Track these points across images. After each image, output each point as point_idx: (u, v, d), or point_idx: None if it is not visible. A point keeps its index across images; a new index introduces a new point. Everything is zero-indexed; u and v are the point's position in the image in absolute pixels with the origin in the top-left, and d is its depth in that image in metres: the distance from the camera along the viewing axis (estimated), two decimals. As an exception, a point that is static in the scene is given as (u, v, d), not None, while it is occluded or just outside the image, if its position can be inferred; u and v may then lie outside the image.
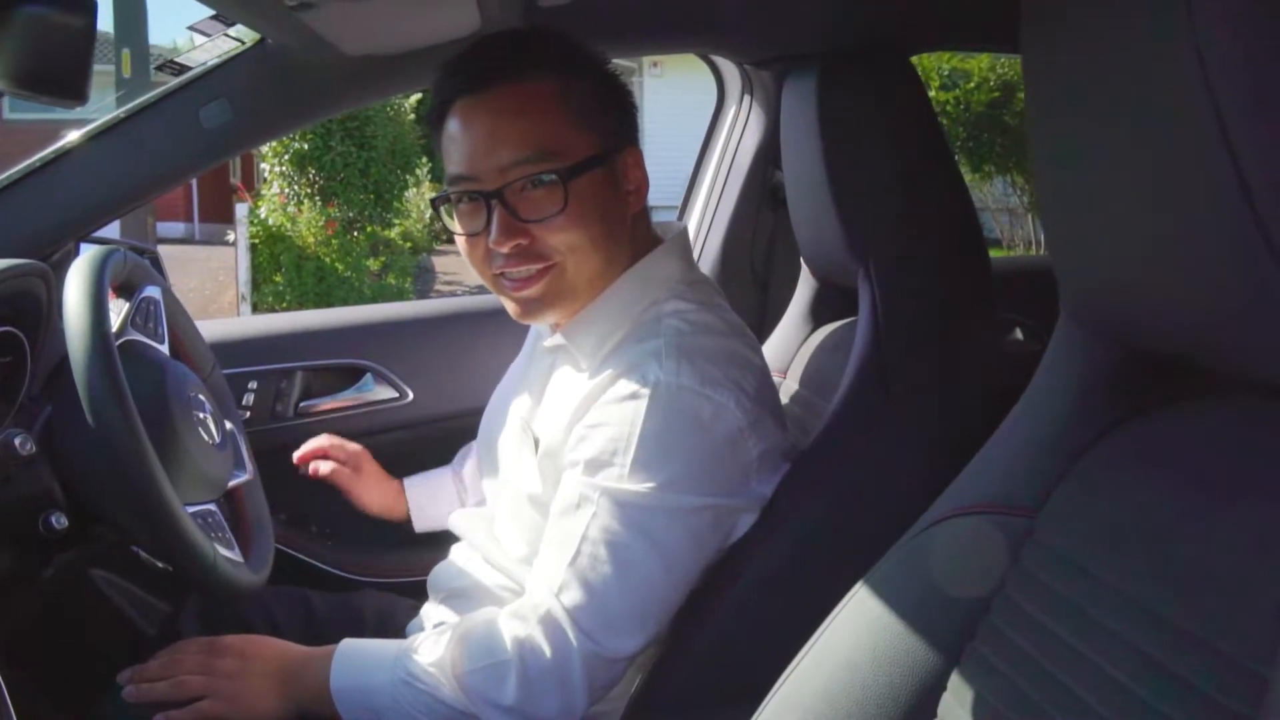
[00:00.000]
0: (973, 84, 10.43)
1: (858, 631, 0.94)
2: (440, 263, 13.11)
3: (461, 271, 12.54)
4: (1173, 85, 0.64)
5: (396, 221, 11.69)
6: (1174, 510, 0.74)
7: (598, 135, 1.24)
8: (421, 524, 1.68)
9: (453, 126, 1.24)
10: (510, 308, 1.29)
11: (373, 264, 10.68)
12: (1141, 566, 0.74)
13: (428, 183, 12.87)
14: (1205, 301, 0.68)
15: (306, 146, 10.40)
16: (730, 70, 2.15)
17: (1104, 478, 0.83)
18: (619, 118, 1.29)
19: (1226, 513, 0.70)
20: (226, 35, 1.55)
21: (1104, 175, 0.74)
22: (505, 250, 1.21)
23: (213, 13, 1.45)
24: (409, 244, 12.05)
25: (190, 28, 1.48)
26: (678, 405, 1.18)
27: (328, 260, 9.79)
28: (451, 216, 1.28)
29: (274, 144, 10.41)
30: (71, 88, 0.97)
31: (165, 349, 1.46)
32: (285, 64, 1.62)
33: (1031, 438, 0.91)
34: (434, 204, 1.30)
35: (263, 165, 11.04)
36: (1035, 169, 0.85)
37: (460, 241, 1.28)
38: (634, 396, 1.18)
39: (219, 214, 11.89)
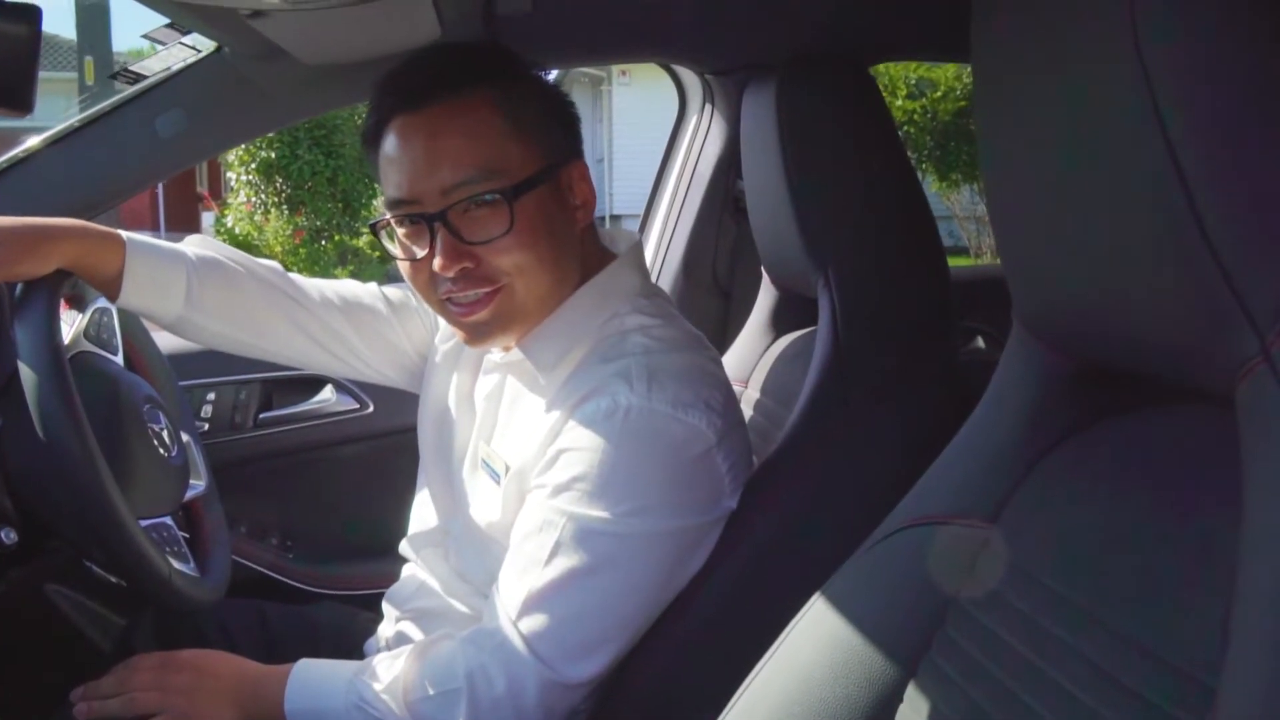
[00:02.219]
0: (939, 93, 10.52)
1: (815, 643, 0.93)
2: (409, 271, 13.06)
3: (430, 280, 12.49)
4: (1120, 102, 0.64)
5: (364, 230, 11.65)
6: (1123, 520, 0.74)
7: (541, 149, 1.20)
8: (125, 300, 1.34)
9: (390, 146, 1.19)
10: (460, 334, 1.25)
11: (340, 273, 10.63)
12: (1091, 577, 0.74)
13: (396, 191, 12.81)
14: (1153, 315, 0.69)
15: (274, 155, 10.37)
16: (691, 79, 2.15)
17: (1057, 488, 0.83)
18: (562, 130, 1.26)
19: (1173, 522, 0.70)
20: (182, 44, 1.54)
21: (1052, 189, 0.75)
22: (451, 275, 1.17)
23: (168, 21, 1.43)
24: (377, 253, 11.97)
25: (145, 36, 1.46)
26: (650, 429, 1.15)
27: (296, 270, 9.73)
28: (393, 240, 1.23)
29: (240, 152, 10.37)
30: (17, 97, 0.95)
31: (119, 360, 1.44)
32: (242, 73, 1.60)
33: (986, 448, 0.91)
34: (373, 229, 1.25)
35: (229, 174, 11.00)
36: (985, 181, 0.85)
37: (403, 267, 1.24)
38: (605, 420, 1.15)
39: (185, 223, 11.80)
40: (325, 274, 9.97)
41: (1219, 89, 0.60)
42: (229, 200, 11.23)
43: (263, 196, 10.89)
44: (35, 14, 0.92)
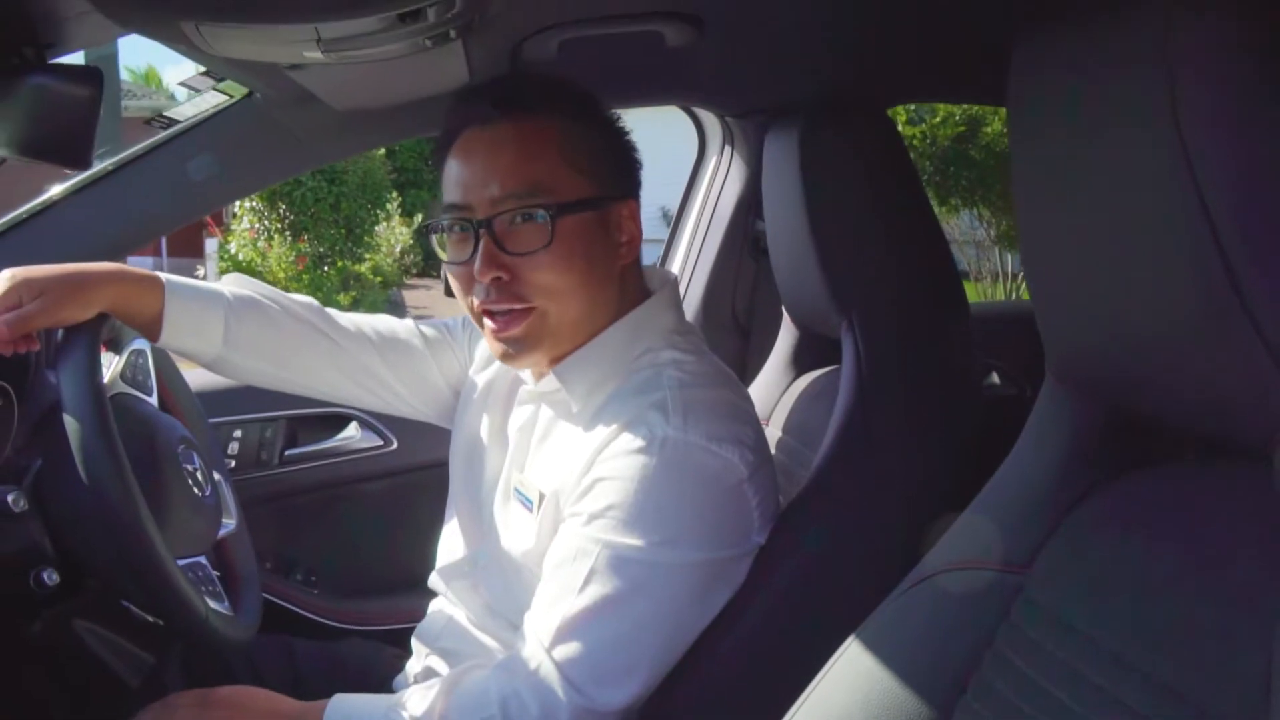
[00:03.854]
0: (938, 119, 10.55)
1: (852, 686, 0.95)
2: (410, 296, 13.08)
3: (431, 305, 12.52)
4: (1158, 170, 0.66)
5: (367, 256, 11.69)
6: (1161, 569, 0.76)
7: (593, 181, 1.24)
8: (166, 341, 1.39)
9: (454, 157, 1.25)
10: (494, 348, 1.28)
11: (343, 299, 10.66)
12: (1129, 624, 0.76)
13: (398, 217, 12.87)
14: (1191, 375, 0.71)
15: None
16: (711, 121, 2.19)
17: (1092, 535, 0.85)
18: (619, 168, 1.30)
19: (1213, 572, 0.72)
20: (216, 89, 1.57)
21: (1089, 246, 0.77)
22: (486, 280, 1.21)
23: (203, 69, 1.46)
24: (379, 278, 12.04)
25: (182, 84, 1.49)
26: (685, 461, 1.17)
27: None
28: (442, 246, 1.29)
29: (244, 179, 10.36)
30: (75, 153, 0.98)
31: (154, 401, 1.46)
32: (273, 118, 1.63)
33: (1021, 494, 0.93)
34: (425, 231, 1.31)
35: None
36: (1021, 233, 0.88)
37: (448, 272, 1.29)
38: (641, 451, 1.17)
39: (189, 249, 11.82)
40: (328, 299, 9.98)
41: (1257, 167, 0.63)
42: (233, 226, 11.25)
43: (266, 223, 10.93)
44: (97, 77, 0.95)
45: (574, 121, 1.26)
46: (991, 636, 0.88)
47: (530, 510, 1.30)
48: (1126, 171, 0.71)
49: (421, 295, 13.26)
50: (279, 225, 10.85)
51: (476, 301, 1.25)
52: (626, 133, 1.34)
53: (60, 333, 1.28)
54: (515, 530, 1.33)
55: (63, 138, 0.97)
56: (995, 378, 2.24)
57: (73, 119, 0.95)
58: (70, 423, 1.18)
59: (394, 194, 12.44)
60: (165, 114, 1.63)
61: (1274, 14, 0.64)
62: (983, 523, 0.96)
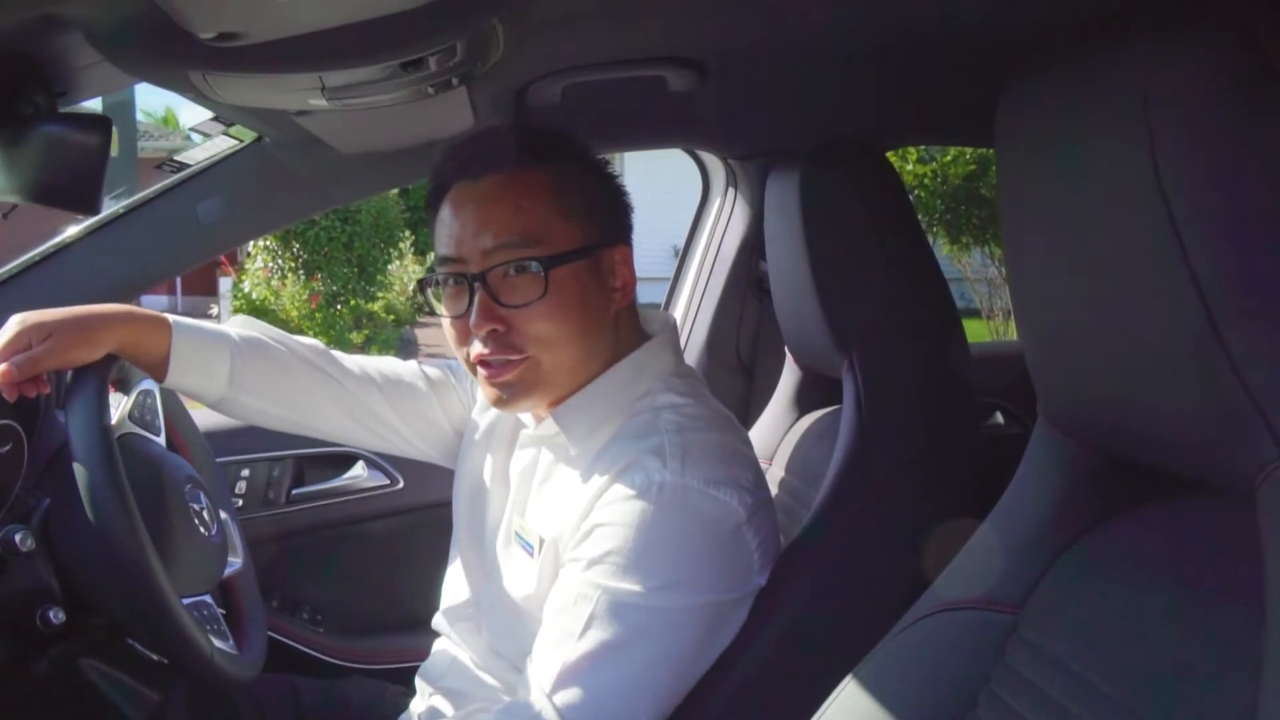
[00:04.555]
0: (949, 157, 10.58)
1: None
2: (423, 335, 13.13)
3: (444, 343, 12.48)
4: (1136, 205, 0.68)
5: (380, 295, 11.74)
6: (1150, 610, 0.77)
7: (584, 228, 1.25)
8: (172, 381, 1.39)
9: (446, 210, 1.27)
10: (489, 394, 1.28)
11: (356, 337, 10.70)
12: (1119, 665, 0.77)
13: (411, 255, 12.94)
14: (1176, 417, 0.72)
15: (290, 221, 10.47)
16: (714, 163, 2.21)
17: (1083, 576, 0.86)
18: (610, 213, 1.31)
19: (1199, 614, 0.73)
20: (225, 134, 1.60)
21: (1076, 292, 0.78)
22: (482, 333, 1.22)
23: (213, 115, 1.49)
24: (392, 317, 12.09)
25: (193, 129, 1.52)
26: (683, 505, 1.18)
27: (311, 334, 9.81)
28: (439, 299, 1.30)
29: (258, 218, 10.44)
30: (85, 199, 1.00)
31: (162, 441, 1.47)
32: (281, 161, 1.66)
33: (1012, 535, 0.94)
34: (421, 286, 1.32)
35: (247, 240, 11.08)
36: (1010, 275, 0.89)
37: (445, 325, 1.30)
38: (639, 496, 1.17)
39: (203, 288, 11.91)
40: (340, 338, 10.03)
41: (1234, 214, 0.64)
42: (246, 265, 11.33)
43: (279, 262, 10.99)
44: (107, 125, 0.97)
45: (564, 170, 1.27)
46: (986, 676, 0.89)
47: (531, 555, 1.30)
48: (1109, 216, 0.72)
49: (434, 334, 13.27)
50: (292, 264, 10.92)
51: (473, 353, 1.25)
52: (616, 177, 1.35)
53: (70, 374, 1.30)
54: (517, 574, 1.33)
55: (73, 184, 0.99)
56: (999, 417, 2.25)
57: (83, 166, 0.97)
58: (79, 463, 1.20)
59: (407, 233, 12.51)
60: (176, 158, 1.65)
61: (1250, 63, 0.66)
62: (975, 563, 0.97)
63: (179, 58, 0.95)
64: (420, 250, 13.49)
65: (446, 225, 1.26)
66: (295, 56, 0.96)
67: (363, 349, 10.53)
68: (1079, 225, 0.76)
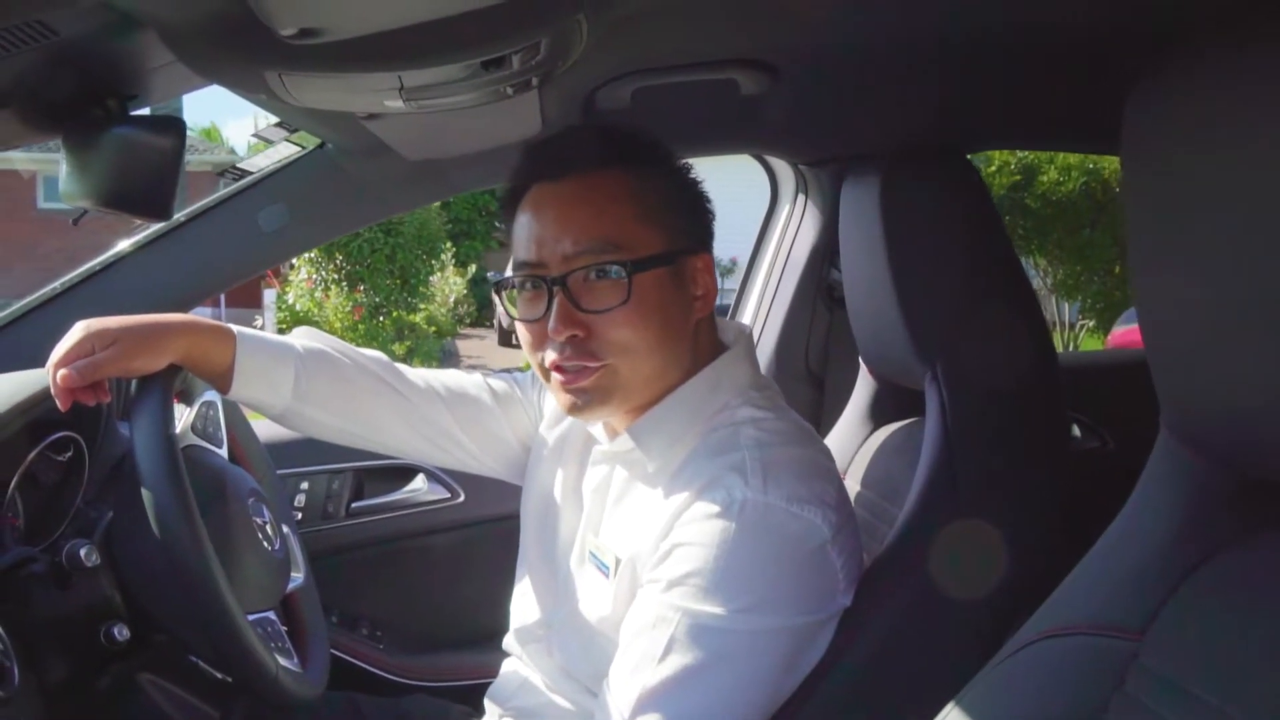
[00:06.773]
0: (994, 167, 10.50)
1: None
2: (464, 346, 13.20)
3: (485, 354, 12.60)
4: None
5: (422, 306, 11.81)
6: None
7: (667, 234, 1.21)
8: (236, 393, 1.37)
9: (525, 211, 1.23)
10: (563, 401, 1.24)
11: (398, 348, 10.76)
12: (1252, 695, 0.72)
13: (452, 267, 13.01)
14: None
15: (334, 233, 10.58)
16: (784, 169, 2.16)
17: (1212, 600, 0.80)
18: (691, 220, 1.27)
19: None
20: (288, 140, 1.57)
21: (1215, 299, 0.73)
22: (561, 339, 1.18)
23: (277, 121, 1.47)
24: (434, 328, 12.14)
25: (255, 135, 1.49)
26: (766, 524, 1.13)
27: (353, 344, 9.85)
28: (513, 303, 1.26)
29: (302, 230, 10.56)
30: (157, 205, 0.97)
31: (224, 453, 1.45)
32: (344, 168, 1.63)
33: (1132, 558, 0.88)
34: (496, 288, 1.28)
35: (291, 252, 11.20)
36: (1135, 283, 0.83)
37: (519, 329, 1.26)
38: (720, 515, 1.13)
39: (247, 299, 12.01)
40: (383, 349, 10.04)
41: None
42: (290, 277, 11.43)
43: (323, 273, 11.09)
44: (181, 127, 0.94)
45: (645, 174, 1.23)
46: (1105, 705, 0.83)
47: (607, 575, 1.26)
48: (1257, 220, 0.67)
49: (475, 345, 13.36)
50: (335, 276, 11.01)
51: (549, 359, 1.21)
52: (699, 183, 1.30)
53: (133, 384, 1.27)
54: (591, 595, 1.29)
55: (145, 189, 0.96)
56: (1076, 430, 2.18)
57: (155, 170, 0.95)
58: (143, 475, 1.17)
59: (449, 244, 12.58)
60: (238, 165, 1.63)
61: None
62: (1090, 586, 0.91)
63: (257, 57, 0.91)
64: (461, 262, 13.57)
65: (525, 228, 1.22)
66: (376, 55, 0.93)
67: (405, 360, 10.55)
68: (1220, 235, 0.71)
